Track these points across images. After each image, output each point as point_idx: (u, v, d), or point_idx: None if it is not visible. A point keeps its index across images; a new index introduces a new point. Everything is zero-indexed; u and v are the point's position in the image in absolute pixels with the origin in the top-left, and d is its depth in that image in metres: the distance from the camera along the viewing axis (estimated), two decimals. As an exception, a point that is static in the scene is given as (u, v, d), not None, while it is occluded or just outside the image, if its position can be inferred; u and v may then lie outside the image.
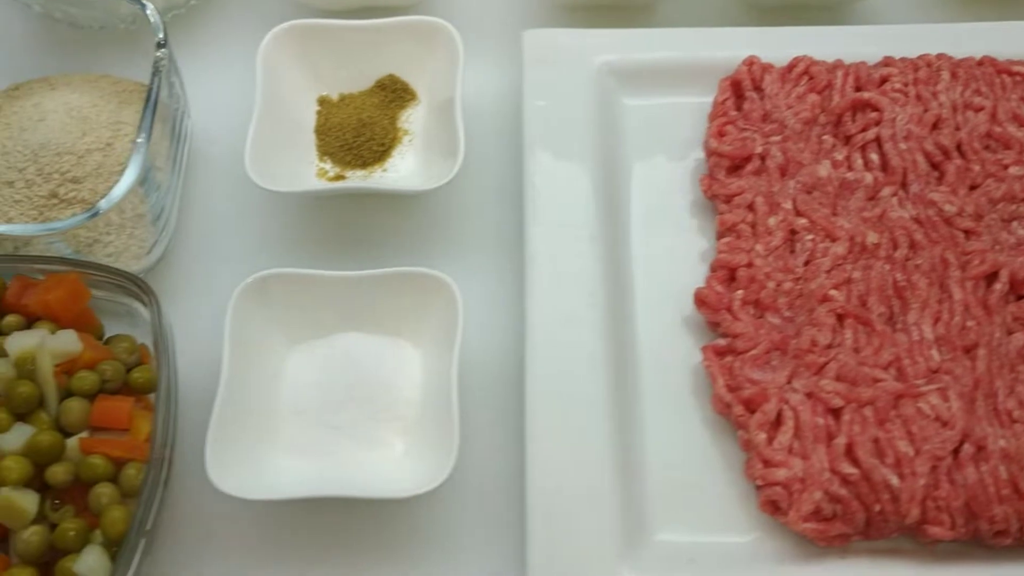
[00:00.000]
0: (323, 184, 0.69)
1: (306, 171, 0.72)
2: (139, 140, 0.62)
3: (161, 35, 0.66)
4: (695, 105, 0.72)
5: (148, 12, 0.67)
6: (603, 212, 0.67)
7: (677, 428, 0.62)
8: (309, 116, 0.74)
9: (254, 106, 0.68)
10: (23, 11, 0.75)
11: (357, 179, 0.71)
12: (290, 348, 0.65)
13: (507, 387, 0.64)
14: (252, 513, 0.61)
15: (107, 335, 0.63)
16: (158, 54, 0.65)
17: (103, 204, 0.60)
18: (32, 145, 0.66)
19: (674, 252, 0.67)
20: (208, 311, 0.65)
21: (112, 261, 0.65)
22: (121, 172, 0.66)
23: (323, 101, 0.74)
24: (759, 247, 0.64)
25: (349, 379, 0.64)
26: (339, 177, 0.71)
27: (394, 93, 0.74)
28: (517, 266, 0.67)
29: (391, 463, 0.61)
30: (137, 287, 0.60)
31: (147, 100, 0.63)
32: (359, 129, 0.71)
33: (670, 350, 0.64)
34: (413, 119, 0.74)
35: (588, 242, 0.66)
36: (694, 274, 0.66)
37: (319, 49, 0.73)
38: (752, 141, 0.67)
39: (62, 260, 0.61)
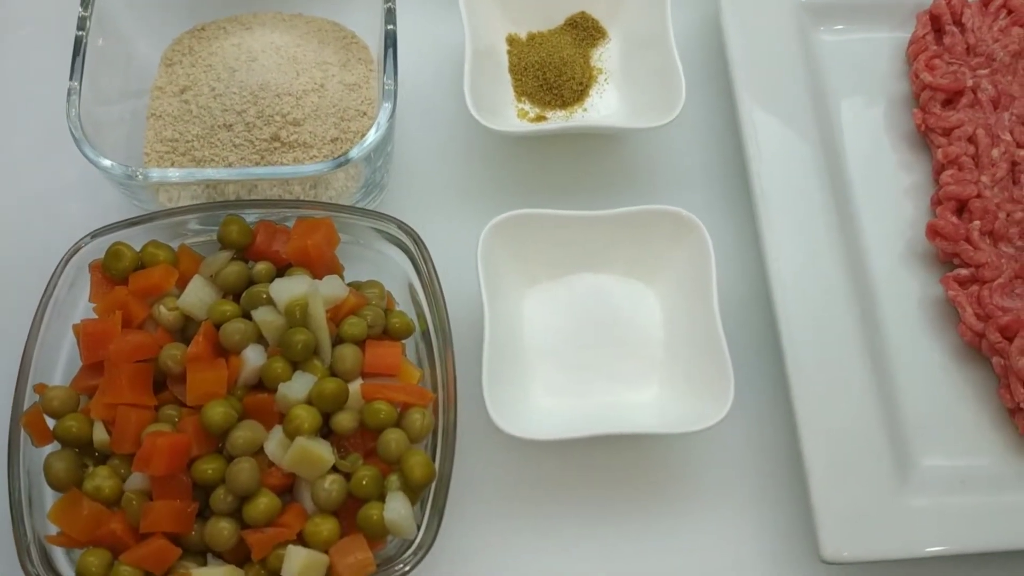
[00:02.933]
0: (552, 124, 0.68)
1: (507, 111, 0.70)
2: (387, 83, 0.60)
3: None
4: (889, 40, 0.73)
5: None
6: (819, 148, 0.67)
7: (922, 359, 0.63)
8: (502, 56, 0.72)
9: (464, 43, 0.66)
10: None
11: (558, 119, 0.70)
12: (528, 288, 0.64)
13: (752, 322, 0.64)
14: (519, 451, 0.60)
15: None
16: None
17: (354, 152, 0.58)
18: (250, 86, 0.63)
19: (891, 186, 0.68)
20: (431, 248, 0.64)
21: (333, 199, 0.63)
22: (336, 114, 0.64)
23: (512, 40, 0.73)
24: (985, 178, 0.65)
25: (594, 319, 0.63)
26: (540, 118, 0.70)
27: (585, 31, 0.73)
28: (738, 203, 0.68)
29: (649, 402, 0.61)
30: (402, 232, 0.59)
31: (386, 41, 0.61)
32: (560, 68, 0.70)
33: (904, 283, 0.65)
34: (606, 57, 0.73)
35: (812, 178, 0.66)
36: (914, 208, 0.67)
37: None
38: (963, 74, 0.68)
39: (323, 205, 0.59)
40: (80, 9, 0.62)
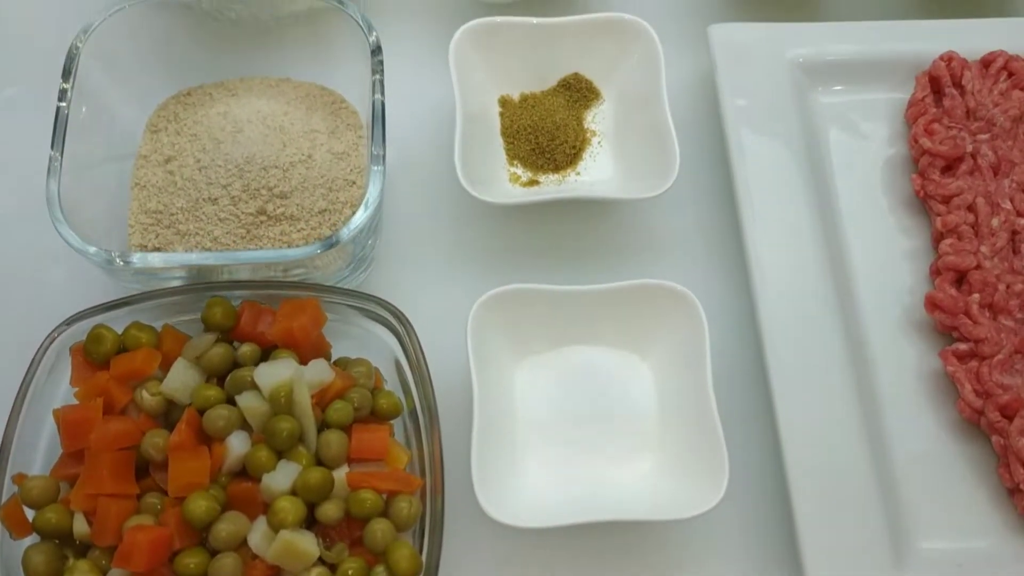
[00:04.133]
0: (544, 194, 0.67)
1: (499, 176, 0.69)
2: (375, 159, 0.59)
3: (374, 37, 0.62)
4: (887, 101, 0.72)
5: (350, 12, 0.63)
6: (816, 213, 0.66)
7: (920, 434, 0.62)
8: (494, 118, 0.71)
9: (454, 111, 0.65)
10: (181, 11, 0.70)
11: (551, 184, 0.69)
12: (518, 362, 0.63)
13: (746, 391, 0.63)
14: (509, 535, 0.59)
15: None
16: (374, 62, 0.61)
17: (344, 233, 0.57)
18: (236, 159, 0.62)
19: (887, 251, 0.67)
20: (419, 322, 0.63)
21: (320, 279, 0.62)
22: (325, 184, 0.63)
23: (504, 102, 0.71)
24: (984, 248, 0.64)
25: (586, 393, 0.62)
26: (532, 182, 0.69)
27: (579, 92, 0.71)
28: (733, 268, 0.67)
29: (641, 482, 0.60)
30: (388, 312, 0.58)
31: (374, 112, 0.60)
32: (553, 132, 0.69)
33: (901, 353, 0.64)
34: (599, 119, 0.71)
35: (809, 244, 0.65)
36: (913, 275, 0.66)
37: (502, 47, 0.70)
38: (962, 139, 0.67)
39: (308, 286, 0.58)
40: (61, 81, 0.61)
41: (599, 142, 0.71)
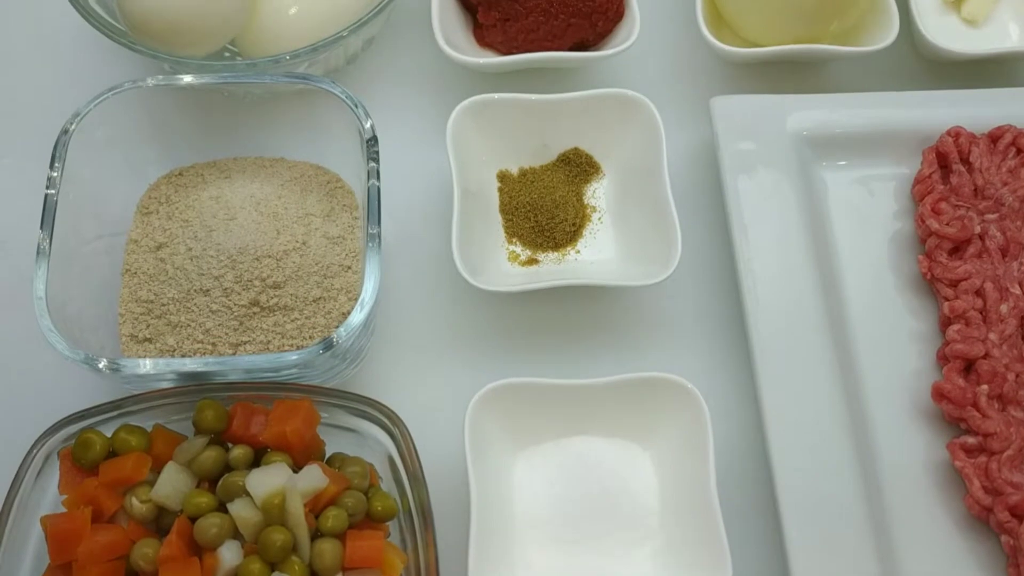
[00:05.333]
0: (539, 278, 0.65)
1: (497, 254, 0.68)
2: (370, 263, 0.57)
3: (369, 124, 0.61)
4: (894, 175, 0.70)
5: (344, 98, 0.62)
6: (820, 294, 0.65)
7: (926, 528, 0.60)
8: (492, 194, 0.69)
9: (453, 186, 0.64)
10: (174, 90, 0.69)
11: (551, 262, 0.68)
12: (516, 454, 0.62)
13: (749, 480, 0.62)
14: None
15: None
16: (370, 151, 0.60)
17: (341, 334, 0.56)
18: (228, 250, 0.60)
19: (894, 333, 0.66)
20: (414, 412, 0.62)
21: (313, 375, 0.61)
22: (319, 272, 0.62)
23: (503, 176, 0.70)
24: (993, 336, 0.63)
25: (586, 486, 0.61)
26: (532, 261, 0.68)
27: (579, 167, 0.70)
28: (736, 353, 0.65)
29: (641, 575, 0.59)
30: (381, 414, 0.56)
31: (369, 199, 0.59)
32: (552, 211, 0.68)
33: (909, 442, 0.62)
34: (599, 194, 0.70)
35: (813, 327, 0.64)
36: (920, 359, 0.65)
37: (501, 122, 0.69)
38: (970, 220, 0.66)
39: (301, 387, 0.57)
40: (49, 169, 0.60)
41: (599, 218, 0.69)
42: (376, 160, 0.60)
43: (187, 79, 0.63)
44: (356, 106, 0.61)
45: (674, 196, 0.65)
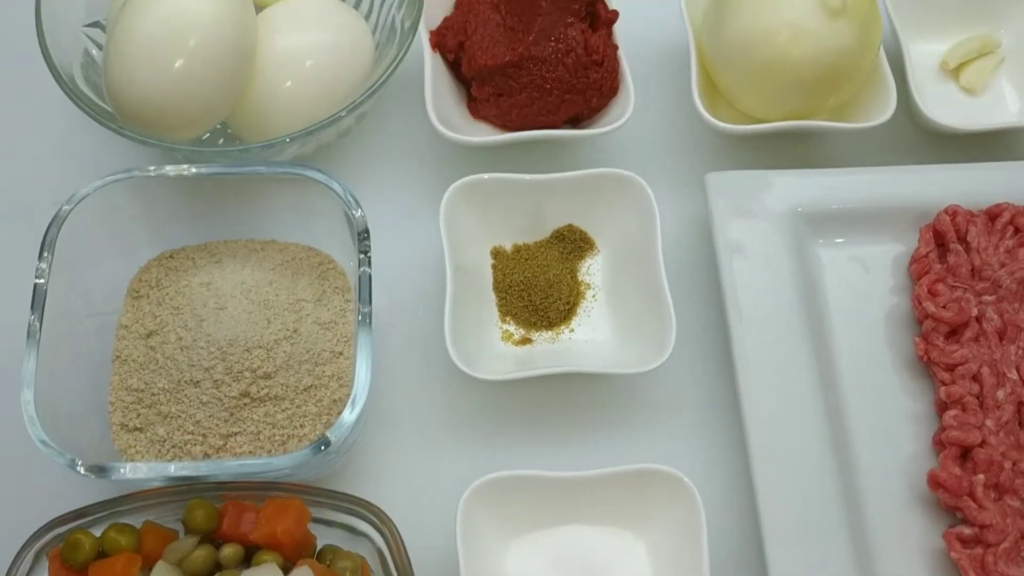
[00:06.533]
0: (533, 365, 0.65)
1: (491, 334, 0.67)
2: (361, 374, 0.56)
3: (359, 214, 0.60)
4: (890, 252, 0.70)
5: (336, 189, 0.61)
6: (816, 375, 0.64)
7: (924, 619, 0.60)
8: (486, 272, 0.69)
9: (444, 278, 0.63)
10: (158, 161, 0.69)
11: (544, 341, 0.67)
12: (508, 543, 0.61)
13: (743, 573, 0.62)
14: None
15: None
16: (362, 245, 0.60)
17: (333, 435, 0.55)
18: (218, 341, 0.60)
19: (890, 416, 0.65)
20: (405, 501, 0.62)
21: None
22: (311, 359, 0.62)
23: (497, 253, 0.70)
24: (989, 423, 0.62)
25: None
26: (525, 340, 0.67)
27: (573, 244, 0.70)
28: (728, 428, 0.65)
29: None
30: (370, 513, 0.56)
31: (360, 285, 0.58)
32: (547, 290, 0.67)
33: (904, 527, 0.62)
34: (594, 270, 0.70)
35: (807, 410, 0.63)
36: (915, 442, 0.64)
37: (494, 201, 0.68)
38: (967, 302, 0.65)
39: (292, 487, 0.56)
40: (37, 261, 0.59)
41: (593, 296, 0.69)
42: (367, 251, 0.60)
43: (177, 171, 0.62)
44: (348, 199, 0.61)
45: (669, 271, 0.65)
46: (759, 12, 0.68)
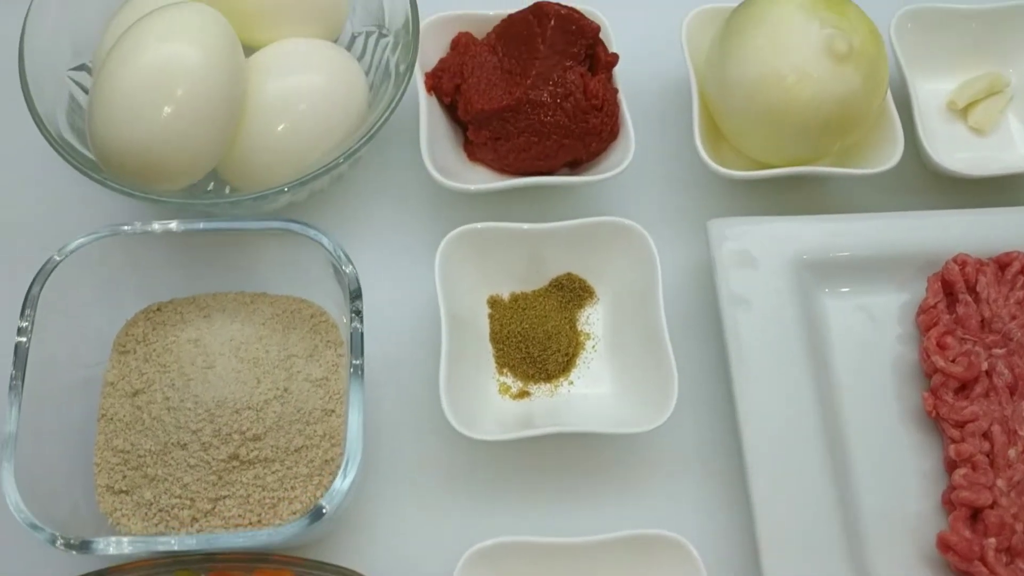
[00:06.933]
0: (531, 424, 0.62)
1: (488, 387, 0.65)
2: (352, 441, 0.54)
3: (350, 270, 0.59)
4: (896, 301, 0.68)
5: (328, 245, 0.59)
6: (821, 431, 0.62)
7: None
8: (483, 322, 0.67)
9: (440, 336, 0.61)
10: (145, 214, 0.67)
11: (543, 394, 0.65)
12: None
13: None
14: None
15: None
16: (353, 307, 0.58)
17: (327, 504, 0.53)
18: (206, 402, 0.58)
19: (898, 472, 0.63)
20: (399, 567, 0.60)
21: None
22: (301, 419, 0.60)
23: (494, 302, 0.68)
24: (1001, 483, 0.60)
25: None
26: (523, 393, 0.65)
27: (572, 292, 0.68)
28: (733, 490, 0.63)
29: None
30: (363, 586, 0.54)
31: (352, 344, 0.56)
32: (545, 342, 0.65)
33: (914, 594, 0.60)
34: (593, 320, 0.68)
35: (814, 470, 0.61)
36: (924, 500, 0.62)
37: (492, 250, 0.66)
38: (977, 356, 0.63)
39: (281, 558, 0.54)
40: (19, 320, 0.57)
41: (593, 346, 0.67)
42: (359, 311, 0.58)
43: (163, 227, 0.60)
44: (339, 255, 0.59)
45: (670, 320, 0.63)
46: (764, 56, 0.66)
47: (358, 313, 0.58)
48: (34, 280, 0.58)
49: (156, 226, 0.60)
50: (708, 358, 0.67)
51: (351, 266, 0.59)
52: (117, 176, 0.62)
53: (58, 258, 0.59)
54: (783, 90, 0.65)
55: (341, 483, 0.54)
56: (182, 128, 0.61)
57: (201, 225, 0.60)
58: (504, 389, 0.66)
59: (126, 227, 0.60)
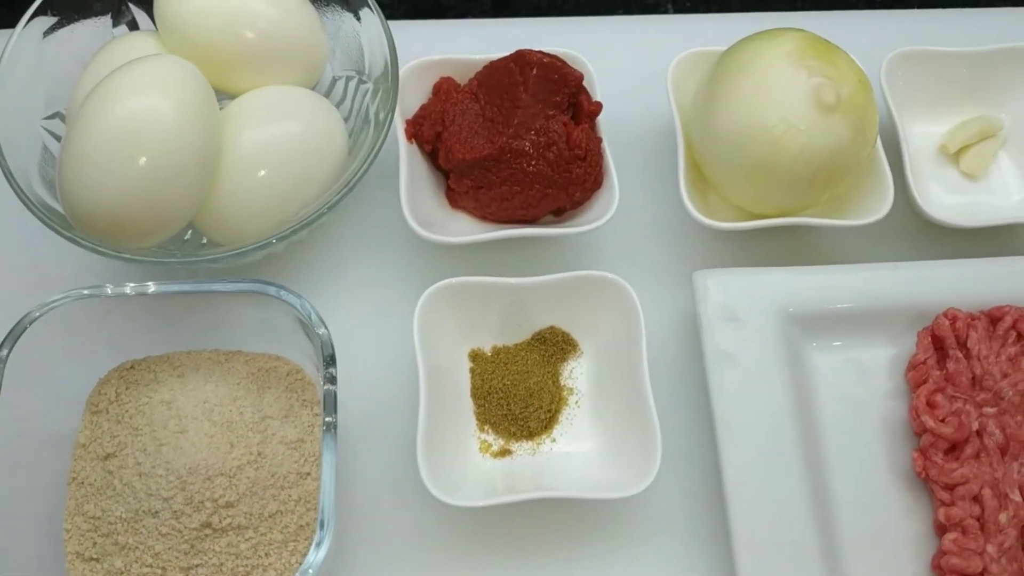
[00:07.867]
0: (513, 489, 0.61)
1: (468, 445, 0.64)
2: (326, 510, 0.53)
3: (323, 332, 0.57)
4: (885, 355, 0.66)
5: (301, 309, 0.58)
6: (808, 494, 0.61)
7: None
8: (464, 376, 0.66)
9: (418, 392, 0.60)
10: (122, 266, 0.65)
11: (524, 452, 0.64)
12: None
13: None
14: None
15: None
16: (327, 373, 0.56)
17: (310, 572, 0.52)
18: (177, 469, 0.57)
19: (886, 534, 0.62)
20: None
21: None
22: (276, 484, 0.59)
23: (475, 356, 0.66)
24: (991, 548, 0.59)
25: None
26: (504, 452, 0.64)
27: (555, 346, 0.66)
28: (718, 555, 0.62)
29: None
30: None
31: (325, 404, 0.55)
32: (527, 399, 0.64)
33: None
34: (577, 374, 0.66)
35: (801, 533, 0.60)
36: (913, 561, 0.61)
37: (473, 304, 0.65)
38: (967, 416, 0.62)
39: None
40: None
41: (576, 402, 0.66)
42: (334, 376, 0.57)
43: (137, 289, 0.59)
44: (313, 319, 0.58)
45: (654, 375, 0.61)
46: (751, 107, 0.64)
47: (332, 379, 0.56)
48: (3, 343, 0.57)
49: (129, 289, 0.59)
50: (693, 414, 0.66)
51: (324, 328, 0.58)
52: (88, 233, 0.61)
53: (27, 323, 0.57)
54: (770, 142, 0.64)
55: (314, 556, 0.53)
56: (155, 185, 0.59)
57: (175, 288, 0.59)
58: (485, 447, 0.64)
59: (105, 288, 0.59)
